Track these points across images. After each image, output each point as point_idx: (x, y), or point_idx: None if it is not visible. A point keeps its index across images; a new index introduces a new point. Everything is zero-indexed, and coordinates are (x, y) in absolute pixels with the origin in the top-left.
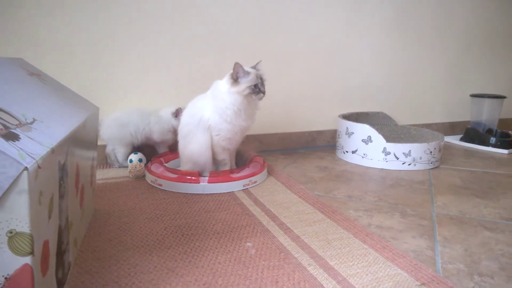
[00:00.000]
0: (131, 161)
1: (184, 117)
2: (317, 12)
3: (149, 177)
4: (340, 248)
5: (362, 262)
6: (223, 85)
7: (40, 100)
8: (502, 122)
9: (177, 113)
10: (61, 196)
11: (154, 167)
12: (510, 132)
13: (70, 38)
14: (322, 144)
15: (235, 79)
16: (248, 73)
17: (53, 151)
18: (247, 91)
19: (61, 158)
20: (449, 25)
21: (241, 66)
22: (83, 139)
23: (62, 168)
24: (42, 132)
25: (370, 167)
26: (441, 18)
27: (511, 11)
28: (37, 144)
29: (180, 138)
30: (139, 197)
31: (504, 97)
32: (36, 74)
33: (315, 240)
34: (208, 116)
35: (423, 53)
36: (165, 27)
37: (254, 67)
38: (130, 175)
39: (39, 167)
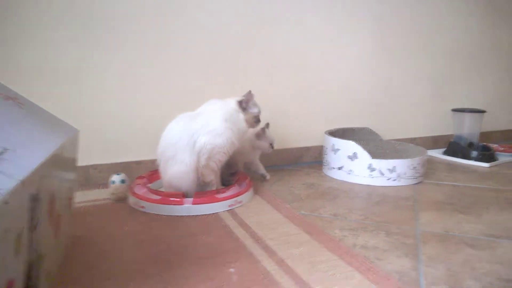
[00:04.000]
0: (113, 182)
1: (167, 139)
2: (302, 28)
3: (132, 199)
4: (325, 272)
5: (347, 286)
6: (234, 110)
7: (14, 126)
8: (483, 135)
9: (258, 135)
10: (32, 228)
11: (137, 189)
12: (491, 145)
13: (50, 59)
14: (309, 161)
15: (243, 108)
16: (255, 104)
17: (23, 183)
18: (254, 120)
19: (33, 188)
20: (433, 42)
21: (253, 96)
22: (60, 163)
23: (35, 199)
24: (13, 163)
25: (356, 183)
26: (426, 35)
27: (492, 27)
28: (6, 177)
29: (161, 162)
30: (121, 221)
31: (483, 112)
32: (13, 98)
33: (300, 264)
34: (207, 139)
35: (406, 69)
36: (149, 45)
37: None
38: (112, 197)
39: (5, 202)
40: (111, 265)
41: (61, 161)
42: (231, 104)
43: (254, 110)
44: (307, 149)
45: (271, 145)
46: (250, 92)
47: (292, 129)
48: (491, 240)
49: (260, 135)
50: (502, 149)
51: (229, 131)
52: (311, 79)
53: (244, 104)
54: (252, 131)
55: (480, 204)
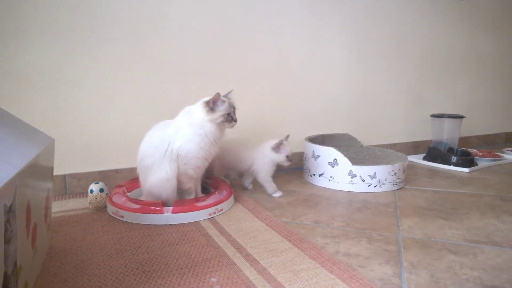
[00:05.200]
0: (91, 191)
1: (145, 148)
2: (280, 36)
3: (110, 208)
4: (307, 280)
5: None
6: (198, 112)
7: None
8: (462, 140)
9: (276, 148)
10: (8, 241)
11: (116, 198)
12: (470, 150)
13: (26, 66)
14: (290, 168)
15: (211, 108)
16: (223, 102)
17: None
18: (221, 119)
19: (7, 200)
20: (410, 48)
21: (220, 95)
22: (36, 173)
23: (9, 211)
24: None
25: (337, 190)
26: (402, 41)
27: (469, 34)
28: None
29: (140, 172)
30: (99, 231)
31: (462, 117)
32: None
33: (282, 272)
34: (179, 145)
35: (385, 75)
36: (125, 53)
37: (226, 96)
38: (90, 206)
39: None
40: (89, 277)
41: (36, 170)
42: (197, 107)
43: (222, 108)
44: None
45: (287, 157)
46: (218, 93)
47: (273, 136)
48: (473, 246)
49: (277, 147)
50: (481, 154)
51: (197, 136)
52: (290, 86)
53: (211, 104)
54: (269, 144)
55: (461, 209)
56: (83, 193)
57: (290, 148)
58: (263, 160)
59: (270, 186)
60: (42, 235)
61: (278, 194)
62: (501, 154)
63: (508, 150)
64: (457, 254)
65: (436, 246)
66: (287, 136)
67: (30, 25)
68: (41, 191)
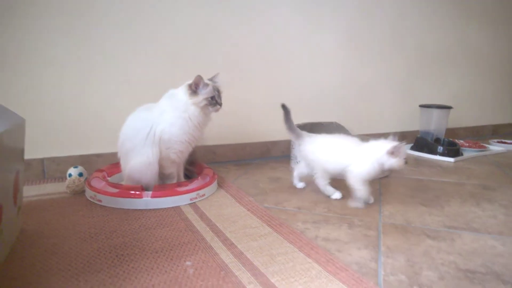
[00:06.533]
0: (70, 175)
1: (126, 131)
2: (272, 22)
3: (88, 193)
4: (283, 264)
5: (305, 277)
6: (182, 95)
7: None
8: (449, 131)
9: (392, 152)
10: None
11: (95, 182)
12: (456, 141)
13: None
14: (277, 155)
15: (193, 90)
16: (206, 85)
17: None
18: (204, 102)
19: None
20: (401, 39)
21: (202, 78)
22: (1, 153)
23: None
24: None
25: None
26: (394, 32)
27: (458, 26)
28: None
29: (121, 155)
30: (75, 215)
31: (450, 108)
32: None
33: (259, 256)
34: (162, 128)
35: (375, 65)
36: (108, 33)
37: (211, 79)
38: (68, 191)
39: None
40: (59, 260)
41: (1, 150)
42: (181, 90)
43: (205, 91)
44: (274, 143)
45: (405, 160)
46: (198, 76)
47: (259, 123)
48: (451, 232)
49: (394, 152)
50: (467, 144)
51: (180, 119)
52: (279, 74)
53: (194, 87)
54: (383, 148)
55: (443, 197)
56: (63, 178)
57: (405, 149)
58: (368, 163)
59: (364, 191)
60: (10, 217)
61: (360, 204)
62: (487, 145)
63: (494, 142)
64: (435, 240)
65: (416, 231)
66: (402, 140)
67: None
68: (8, 172)
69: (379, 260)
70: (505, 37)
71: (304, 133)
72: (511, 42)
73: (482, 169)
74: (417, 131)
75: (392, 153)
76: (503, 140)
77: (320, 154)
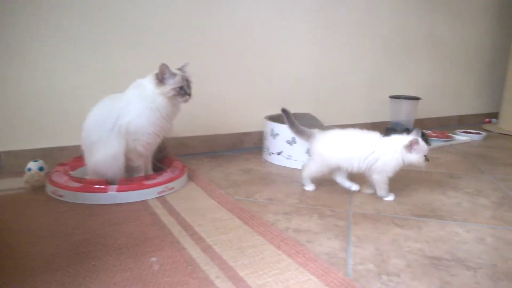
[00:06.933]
0: (29, 169)
1: (90, 122)
2: (242, 12)
3: (49, 188)
4: (253, 257)
5: (274, 270)
6: (149, 85)
7: None
8: (418, 122)
9: (410, 146)
10: None
11: (56, 176)
12: (425, 131)
13: None
14: (249, 146)
15: (160, 80)
16: (174, 74)
17: None
18: (172, 92)
19: None
20: (372, 31)
21: (167, 67)
22: None
23: None
24: None
25: (295, 169)
26: (365, 24)
27: (427, 19)
28: None
29: (85, 148)
30: (34, 212)
31: (419, 99)
32: None
33: (228, 249)
34: (129, 120)
35: (347, 56)
36: (71, 19)
37: (180, 69)
38: (27, 186)
39: None
40: (15, 260)
41: None
42: (148, 80)
43: (173, 80)
44: (246, 134)
45: (425, 157)
46: (162, 64)
47: (231, 114)
48: (419, 220)
49: (412, 146)
50: (435, 135)
51: (148, 110)
52: (251, 64)
53: (160, 76)
54: (401, 143)
55: (412, 186)
56: (22, 172)
57: (425, 145)
58: (392, 159)
59: (386, 188)
60: None
61: (391, 197)
62: (453, 135)
63: (460, 132)
64: (403, 228)
65: (385, 220)
66: (422, 133)
67: None
68: None
69: (349, 250)
70: (470, 31)
71: (315, 131)
72: (477, 35)
73: (449, 158)
74: (388, 122)
75: (410, 147)
76: (468, 130)
77: (341, 150)
